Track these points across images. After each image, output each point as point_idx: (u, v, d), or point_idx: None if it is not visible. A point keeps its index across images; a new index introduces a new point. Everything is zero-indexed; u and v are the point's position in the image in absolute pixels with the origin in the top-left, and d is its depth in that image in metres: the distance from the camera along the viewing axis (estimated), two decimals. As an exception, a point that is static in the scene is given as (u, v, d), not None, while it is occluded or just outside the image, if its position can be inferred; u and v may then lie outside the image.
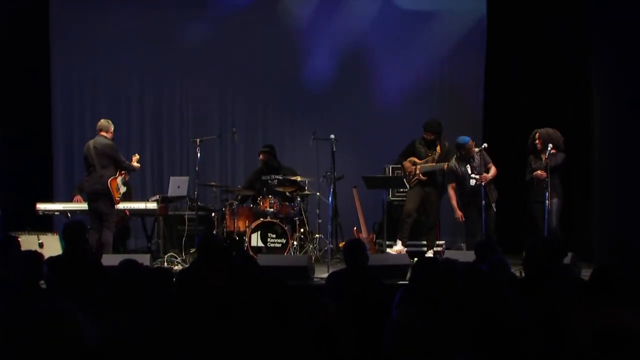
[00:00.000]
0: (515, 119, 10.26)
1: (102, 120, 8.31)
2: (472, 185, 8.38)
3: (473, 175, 8.41)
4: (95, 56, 10.56)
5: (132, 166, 8.37)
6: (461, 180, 8.45)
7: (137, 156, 8.69)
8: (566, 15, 9.87)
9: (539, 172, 8.17)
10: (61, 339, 2.84)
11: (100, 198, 8.02)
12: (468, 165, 8.41)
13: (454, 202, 8.49)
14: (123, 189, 8.36)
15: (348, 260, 5.34)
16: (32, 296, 4.70)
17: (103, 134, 8.16)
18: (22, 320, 2.95)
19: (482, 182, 8.23)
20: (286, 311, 3.45)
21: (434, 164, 8.74)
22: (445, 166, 8.59)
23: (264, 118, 10.96)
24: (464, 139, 8.48)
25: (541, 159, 8.24)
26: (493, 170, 8.47)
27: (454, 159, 8.54)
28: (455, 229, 10.42)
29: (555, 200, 8.25)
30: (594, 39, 9.46)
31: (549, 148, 8.15)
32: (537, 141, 8.25)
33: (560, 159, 8.31)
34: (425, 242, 9.06)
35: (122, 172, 8.26)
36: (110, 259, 6.90)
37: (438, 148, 8.77)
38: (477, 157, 8.44)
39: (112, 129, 8.24)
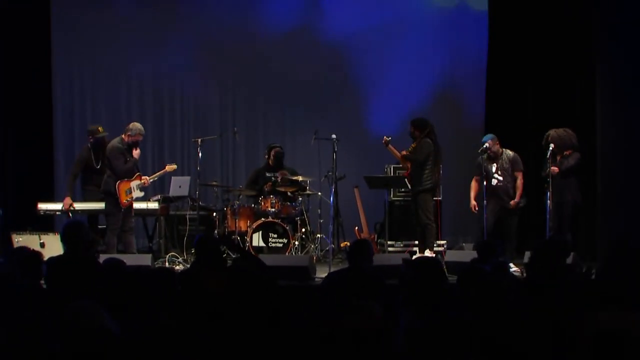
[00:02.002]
0: (518, 120, 10.25)
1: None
2: (492, 185, 8.40)
3: (496, 175, 8.43)
4: (96, 56, 10.55)
5: (125, 172, 8.09)
6: (484, 176, 8.46)
7: (173, 166, 8.76)
8: (570, 13, 9.84)
9: (553, 168, 8.17)
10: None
11: (106, 199, 8.07)
12: (494, 164, 8.45)
13: (472, 193, 8.56)
14: (138, 194, 8.26)
15: (351, 260, 5.31)
16: (32, 296, 4.69)
17: (122, 135, 8.16)
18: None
19: (512, 208, 8.41)
20: (279, 314, 3.43)
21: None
22: (399, 155, 8.65)
23: (265, 118, 10.94)
24: (485, 137, 8.59)
25: (555, 159, 8.25)
26: (519, 187, 8.46)
27: (485, 155, 8.52)
28: (457, 229, 10.43)
29: (569, 203, 8.29)
30: (599, 37, 9.43)
31: (551, 148, 8.17)
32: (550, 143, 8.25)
33: (573, 160, 8.32)
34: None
35: (140, 175, 8.23)
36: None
37: (414, 143, 8.64)
38: (504, 158, 8.47)
39: (133, 133, 8.10)
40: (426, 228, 8.51)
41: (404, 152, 8.66)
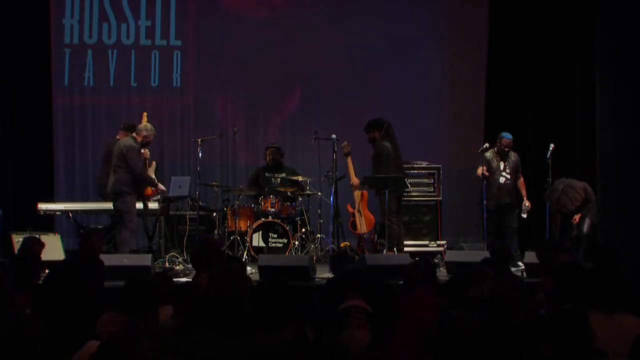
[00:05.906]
0: (518, 122, 10.23)
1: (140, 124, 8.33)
2: (500, 182, 8.44)
3: (504, 174, 8.45)
4: (95, 55, 10.55)
5: (148, 178, 8.22)
6: (491, 172, 8.47)
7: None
8: (571, 14, 9.84)
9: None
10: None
11: (119, 198, 8.07)
12: (502, 162, 8.46)
13: (479, 170, 8.46)
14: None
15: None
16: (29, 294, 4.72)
17: (134, 134, 8.18)
18: None
19: (524, 213, 8.43)
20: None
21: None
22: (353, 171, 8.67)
23: (265, 118, 10.93)
24: (505, 134, 8.55)
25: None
26: (522, 185, 8.53)
27: (492, 150, 8.52)
28: (457, 229, 10.41)
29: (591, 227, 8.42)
30: (599, 38, 9.43)
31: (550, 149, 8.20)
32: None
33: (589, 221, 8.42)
34: (427, 242, 9.21)
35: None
36: (110, 259, 6.92)
37: (373, 149, 8.62)
38: (513, 158, 8.49)
39: (148, 133, 8.15)
40: (384, 228, 8.48)
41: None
